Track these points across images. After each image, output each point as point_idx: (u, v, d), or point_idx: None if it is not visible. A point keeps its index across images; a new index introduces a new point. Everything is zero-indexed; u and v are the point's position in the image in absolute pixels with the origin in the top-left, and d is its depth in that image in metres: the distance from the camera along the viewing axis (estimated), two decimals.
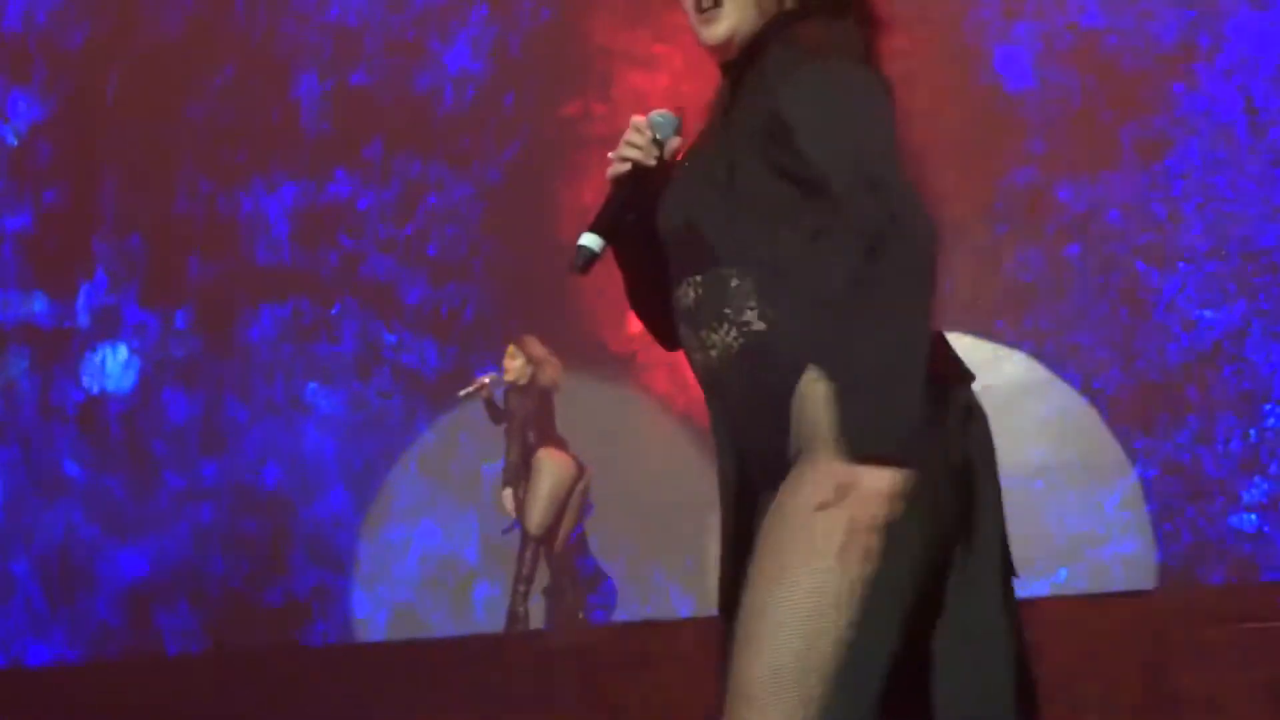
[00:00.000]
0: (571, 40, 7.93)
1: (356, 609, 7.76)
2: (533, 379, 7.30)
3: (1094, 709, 5.86)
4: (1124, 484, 7.55)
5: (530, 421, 7.30)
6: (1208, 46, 7.51)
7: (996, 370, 7.54)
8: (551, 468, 7.29)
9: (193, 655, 7.56)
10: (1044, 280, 7.54)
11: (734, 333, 2.21)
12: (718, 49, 2.30)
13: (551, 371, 7.37)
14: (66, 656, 7.73)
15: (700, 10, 2.29)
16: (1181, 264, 7.39)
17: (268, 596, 7.81)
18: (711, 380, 2.25)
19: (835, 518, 2.04)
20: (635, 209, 2.35)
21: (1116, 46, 7.54)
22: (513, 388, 7.33)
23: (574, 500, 7.32)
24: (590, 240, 2.32)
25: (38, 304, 8.20)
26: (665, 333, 2.37)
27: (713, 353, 2.22)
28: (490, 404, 7.44)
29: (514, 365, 7.32)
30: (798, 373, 2.13)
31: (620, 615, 7.66)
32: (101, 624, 7.85)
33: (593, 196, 2.58)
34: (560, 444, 7.33)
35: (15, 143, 8.15)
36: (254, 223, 8.20)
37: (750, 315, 2.21)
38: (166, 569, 7.98)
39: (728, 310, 2.21)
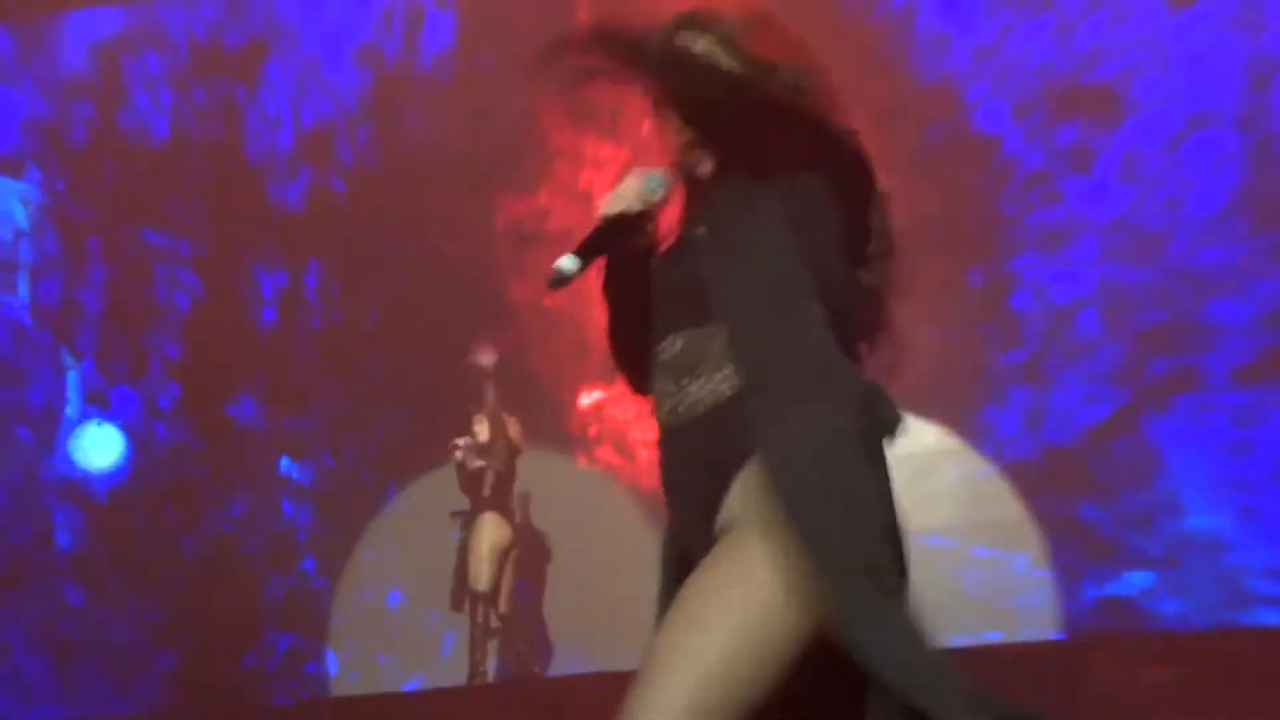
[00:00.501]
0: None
1: (329, 667, 7.85)
2: (500, 439, 7.49)
3: None
4: (1030, 543, 7.57)
5: (490, 483, 7.48)
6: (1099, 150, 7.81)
7: (913, 438, 7.82)
8: (489, 529, 7.49)
9: (177, 715, 7.69)
10: (957, 358, 7.69)
11: (706, 389, 2.30)
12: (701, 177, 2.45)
13: (515, 431, 7.55)
14: (55, 716, 7.79)
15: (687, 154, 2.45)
16: (1082, 349, 7.61)
17: (245, 660, 7.88)
18: (674, 430, 2.33)
19: (744, 594, 2.14)
20: (613, 246, 2.44)
21: (1017, 152, 7.83)
22: (481, 449, 7.49)
23: (510, 562, 7.48)
24: (568, 261, 2.38)
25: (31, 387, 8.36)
26: (637, 373, 2.47)
27: (680, 408, 2.32)
28: (462, 468, 7.55)
29: (482, 428, 7.50)
30: (748, 452, 2.21)
31: (570, 668, 7.82)
32: (89, 688, 7.90)
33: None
34: (505, 509, 7.51)
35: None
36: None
37: (723, 376, 2.29)
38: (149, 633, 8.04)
39: (705, 365, 2.30)
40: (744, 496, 2.21)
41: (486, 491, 7.48)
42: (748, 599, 2.13)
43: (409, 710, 7.42)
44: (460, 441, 7.56)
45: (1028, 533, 7.63)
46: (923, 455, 7.66)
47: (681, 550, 2.38)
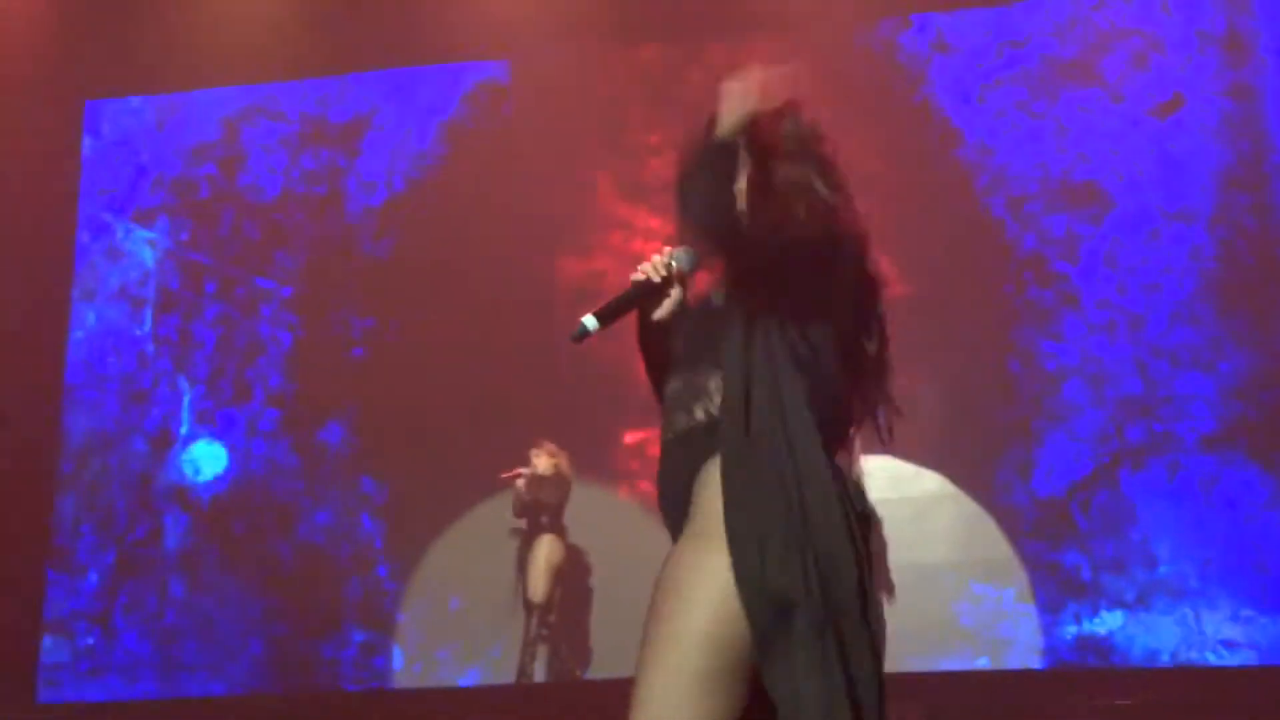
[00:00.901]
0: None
1: (395, 662, 8.22)
2: (556, 472, 7.80)
3: None
4: (1017, 581, 7.80)
5: (546, 508, 7.81)
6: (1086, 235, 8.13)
7: (917, 484, 7.92)
8: (545, 549, 7.84)
9: (263, 695, 8.08)
10: (958, 416, 8.00)
11: (698, 414, 2.50)
12: None
13: (565, 466, 7.82)
14: (157, 695, 8.23)
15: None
16: (1068, 413, 7.93)
17: (324, 650, 8.27)
18: (663, 448, 2.52)
19: (695, 585, 2.28)
20: (636, 308, 2.57)
21: (1015, 237, 8.21)
22: (538, 479, 7.80)
23: (560, 578, 7.82)
24: (590, 321, 2.50)
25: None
26: (659, 382, 2.64)
27: (680, 427, 2.51)
28: (519, 495, 7.87)
29: (541, 461, 7.84)
30: (705, 459, 2.41)
31: (608, 673, 7.86)
32: (188, 671, 8.31)
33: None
34: (561, 531, 7.86)
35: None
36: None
37: (706, 406, 2.49)
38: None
39: (702, 398, 2.51)
40: (696, 505, 2.41)
41: (543, 517, 7.79)
42: (690, 600, 2.30)
43: (464, 703, 7.70)
44: (521, 471, 7.88)
45: (1016, 571, 7.87)
46: (923, 499, 8.01)
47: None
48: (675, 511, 2.47)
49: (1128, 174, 8.14)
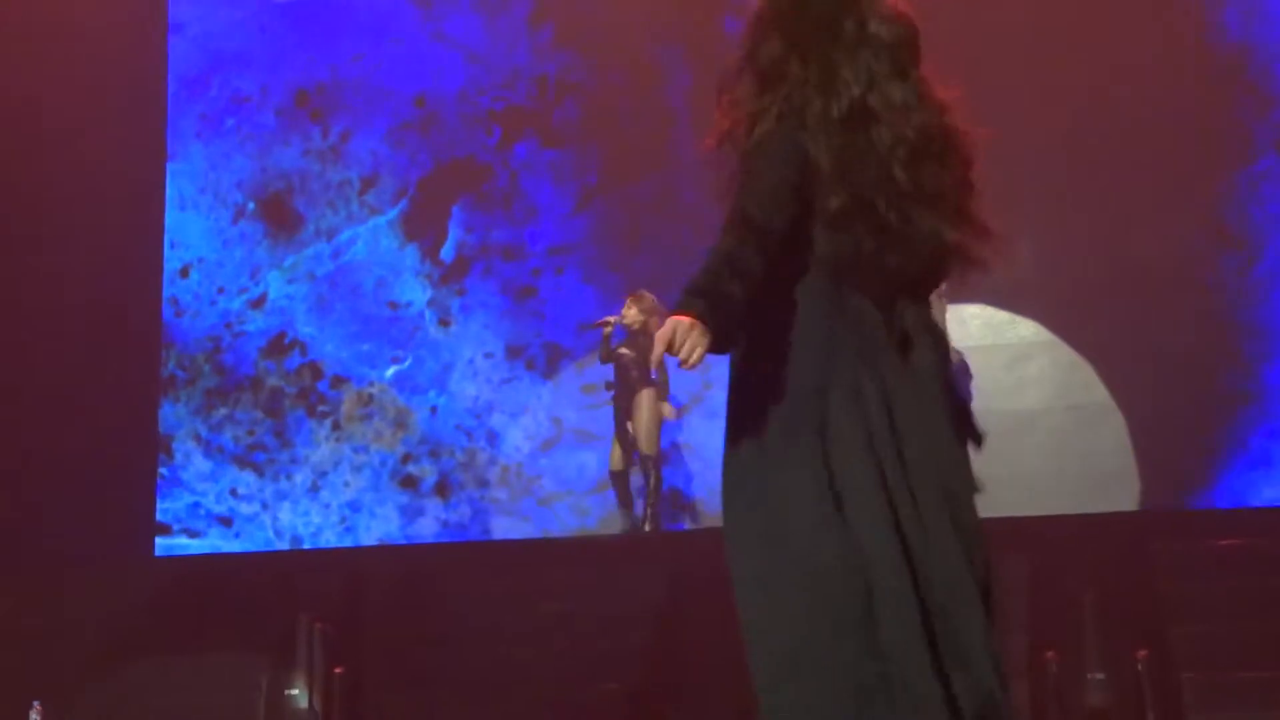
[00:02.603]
0: None
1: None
2: (644, 326, 7.75)
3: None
4: (1115, 423, 7.96)
5: (636, 363, 7.85)
6: None
7: (1012, 330, 8.09)
8: (649, 403, 7.90)
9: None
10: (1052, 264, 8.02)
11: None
12: None
13: (660, 321, 7.75)
14: None
15: None
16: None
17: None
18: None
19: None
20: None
21: None
22: (629, 332, 7.85)
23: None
24: None
25: None
26: None
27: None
28: (605, 342, 7.94)
29: (632, 313, 7.87)
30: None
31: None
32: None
33: None
34: (656, 385, 7.91)
35: None
36: None
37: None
38: None
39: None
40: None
41: (633, 371, 7.85)
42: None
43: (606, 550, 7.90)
44: (609, 319, 7.95)
45: (1113, 415, 8.00)
46: (1020, 345, 8.11)
47: None
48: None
49: None
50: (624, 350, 7.92)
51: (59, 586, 7.51)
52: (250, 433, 8.86)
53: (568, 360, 8.71)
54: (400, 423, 8.77)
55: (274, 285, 9.00)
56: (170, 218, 9.04)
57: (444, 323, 8.84)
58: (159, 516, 8.79)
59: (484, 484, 8.66)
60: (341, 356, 8.88)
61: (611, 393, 8.08)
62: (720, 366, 2.73)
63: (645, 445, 7.91)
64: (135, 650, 7.14)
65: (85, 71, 8.44)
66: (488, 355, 8.79)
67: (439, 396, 8.77)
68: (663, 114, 8.50)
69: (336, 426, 8.82)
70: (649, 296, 7.86)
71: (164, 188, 9.02)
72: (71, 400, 8.13)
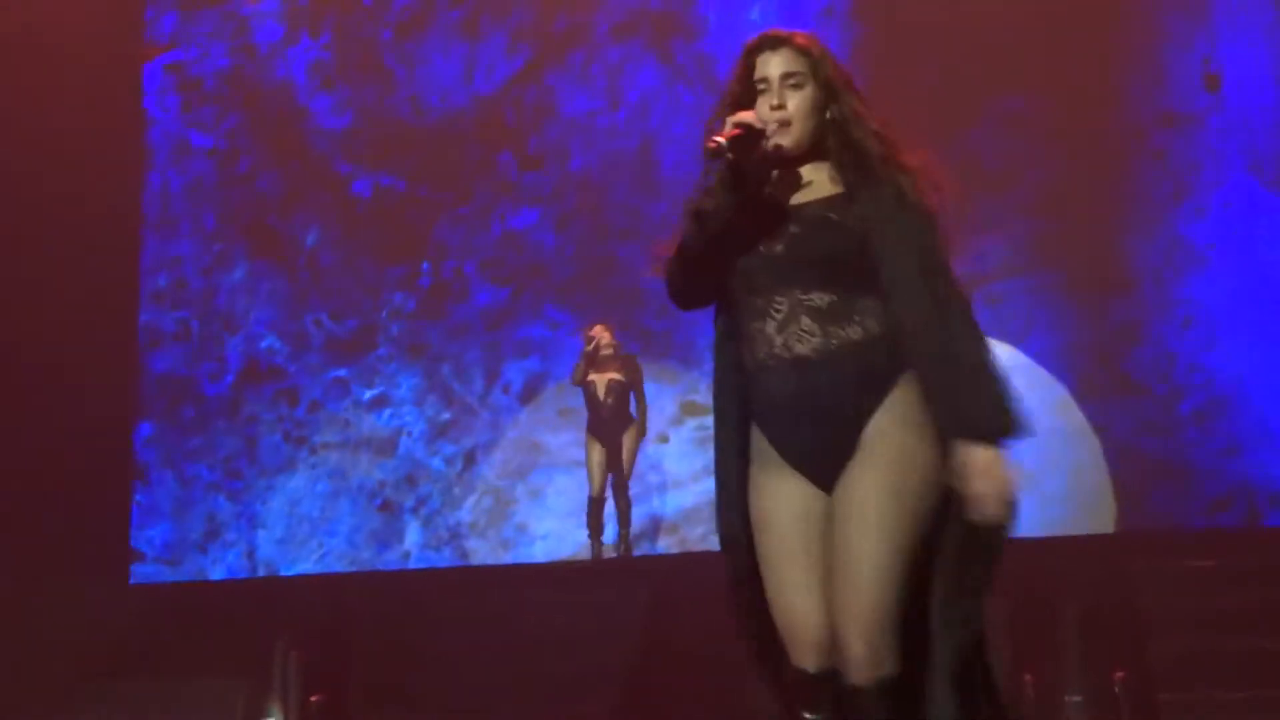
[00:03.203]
0: None
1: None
2: (616, 351, 7.89)
3: None
4: (1091, 445, 7.81)
5: (611, 388, 7.89)
6: None
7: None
8: (625, 429, 7.92)
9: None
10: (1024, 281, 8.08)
11: (855, 332, 2.78)
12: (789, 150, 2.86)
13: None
14: None
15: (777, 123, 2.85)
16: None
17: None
18: (819, 358, 2.77)
19: (912, 488, 2.76)
20: (747, 153, 2.74)
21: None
22: (602, 357, 7.88)
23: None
24: (725, 143, 2.71)
25: None
26: (703, 297, 2.90)
27: (833, 341, 2.77)
28: (584, 363, 7.91)
29: (606, 338, 7.92)
30: (889, 369, 2.77)
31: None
32: None
33: None
34: (630, 415, 7.97)
35: None
36: None
37: (860, 324, 2.79)
38: None
39: (856, 317, 2.78)
40: (896, 408, 2.77)
41: (609, 398, 7.84)
42: (916, 493, 2.73)
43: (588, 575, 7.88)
44: (590, 338, 7.94)
45: (1088, 438, 7.97)
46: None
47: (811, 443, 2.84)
48: (842, 403, 2.79)
49: None
50: (597, 376, 7.94)
51: (34, 613, 7.44)
52: (227, 459, 8.82)
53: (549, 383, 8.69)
54: (379, 448, 8.75)
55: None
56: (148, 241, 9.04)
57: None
58: (134, 543, 8.73)
59: (461, 508, 8.63)
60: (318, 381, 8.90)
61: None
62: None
63: (625, 472, 7.93)
64: (110, 678, 7.08)
65: (62, 98, 8.40)
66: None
67: (417, 422, 8.76)
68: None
69: (314, 452, 8.78)
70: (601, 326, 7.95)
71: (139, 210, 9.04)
72: (44, 427, 8.06)
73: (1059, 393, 8.01)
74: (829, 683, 2.76)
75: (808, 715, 2.78)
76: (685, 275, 2.91)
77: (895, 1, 8.25)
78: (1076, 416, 7.97)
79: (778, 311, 2.82)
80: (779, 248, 2.83)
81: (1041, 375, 7.99)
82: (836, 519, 2.77)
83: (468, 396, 8.72)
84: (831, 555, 2.75)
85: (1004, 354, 7.39)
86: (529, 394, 8.68)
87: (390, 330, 8.82)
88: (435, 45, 9.01)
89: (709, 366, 3.01)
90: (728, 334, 2.94)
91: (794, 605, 2.80)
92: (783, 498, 2.85)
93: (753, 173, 2.83)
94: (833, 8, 8.38)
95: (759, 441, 2.89)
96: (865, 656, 2.68)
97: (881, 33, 8.19)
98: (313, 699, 6.77)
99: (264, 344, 8.91)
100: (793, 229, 2.85)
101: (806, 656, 2.79)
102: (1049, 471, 7.78)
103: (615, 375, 7.95)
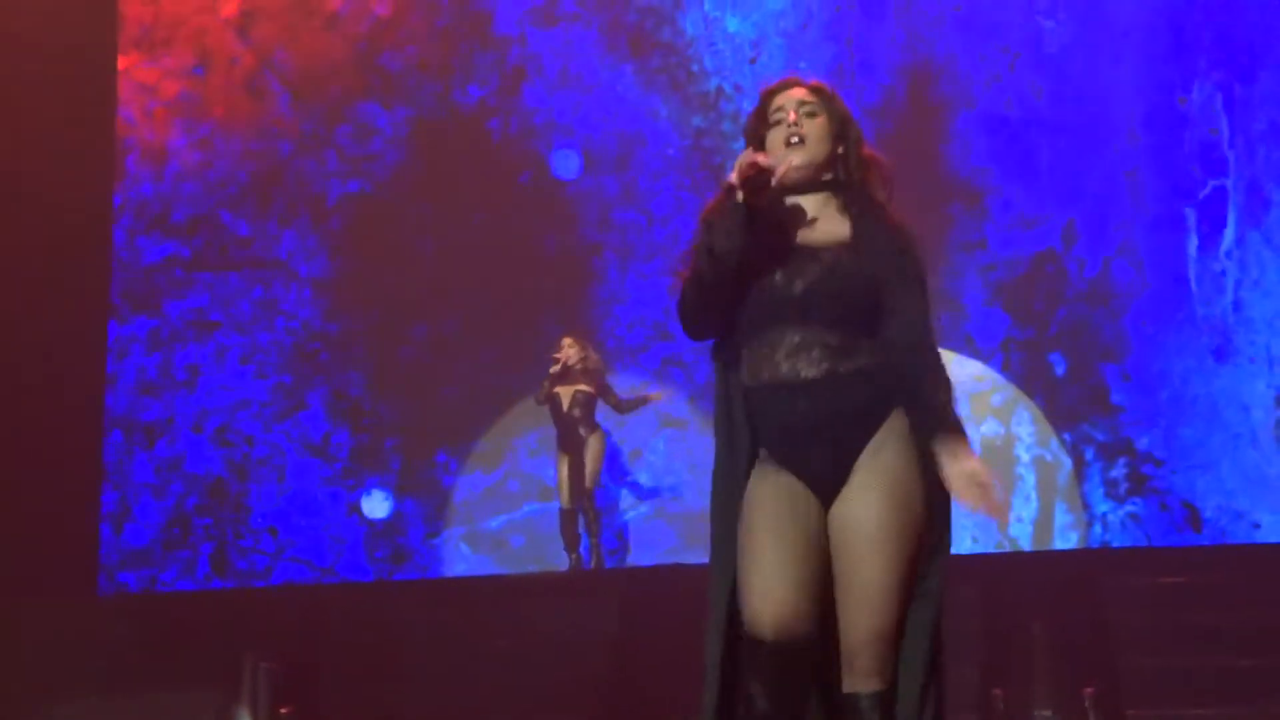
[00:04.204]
0: None
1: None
2: (584, 363, 7.93)
3: None
4: (1062, 462, 7.92)
5: (578, 401, 7.92)
6: None
7: (962, 370, 7.83)
8: (591, 441, 7.95)
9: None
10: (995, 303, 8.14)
11: (859, 363, 2.99)
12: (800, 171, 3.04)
13: (595, 359, 7.97)
14: None
15: (788, 144, 3.07)
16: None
17: None
18: (825, 383, 2.99)
19: (910, 517, 2.98)
20: (756, 194, 2.90)
21: None
22: (569, 370, 7.91)
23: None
24: (738, 191, 2.89)
25: None
26: (713, 327, 3.06)
27: (840, 369, 2.98)
28: (549, 382, 7.94)
29: (573, 352, 7.95)
30: (889, 395, 3.00)
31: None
32: None
33: None
34: (595, 426, 8.00)
35: None
36: None
37: (866, 357, 3.00)
38: None
39: (860, 352, 2.99)
40: (890, 435, 3.00)
41: (576, 410, 7.86)
42: (912, 526, 2.96)
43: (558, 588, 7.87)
44: (556, 357, 7.95)
45: (1059, 456, 8.03)
46: (967, 383, 8.09)
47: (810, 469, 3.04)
48: (844, 425, 3.00)
49: None
50: (562, 389, 7.95)
51: (2, 624, 7.38)
52: (199, 474, 8.78)
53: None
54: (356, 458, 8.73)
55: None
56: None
57: None
58: (103, 553, 8.67)
59: (437, 519, 8.60)
60: None
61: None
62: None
63: (589, 482, 7.94)
64: (78, 690, 7.03)
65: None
66: None
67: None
68: None
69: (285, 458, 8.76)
70: (571, 338, 7.98)
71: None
72: (13, 436, 8.00)
73: (1031, 410, 8.05)
74: (780, 655, 2.93)
75: (756, 683, 2.94)
76: (698, 305, 3.07)
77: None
78: (1046, 431, 7.99)
79: (790, 341, 3.02)
80: (798, 285, 3.03)
81: (1013, 393, 8.06)
82: (842, 538, 2.99)
83: None
84: (840, 574, 2.97)
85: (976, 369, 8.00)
86: None
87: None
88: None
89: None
90: (728, 363, 3.11)
91: (763, 577, 2.95)
92: (777, 487, 3.02)
93: (762, 209, 3.00)
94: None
95: (760, 461, 3.07)
96: (873, 669, 2.93)
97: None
98: (283, 710, 6.74)
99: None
100: (812, 269, 3.04)
101: (765, 628, 2.93)
102: (1020, 487, 7.98)
103: (580, 386, 7.96)
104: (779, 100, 3.15)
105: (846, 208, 3.10)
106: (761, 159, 2.96)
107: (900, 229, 3.09)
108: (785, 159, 3.02)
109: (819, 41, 8.52)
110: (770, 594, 2.93)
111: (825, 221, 3.11)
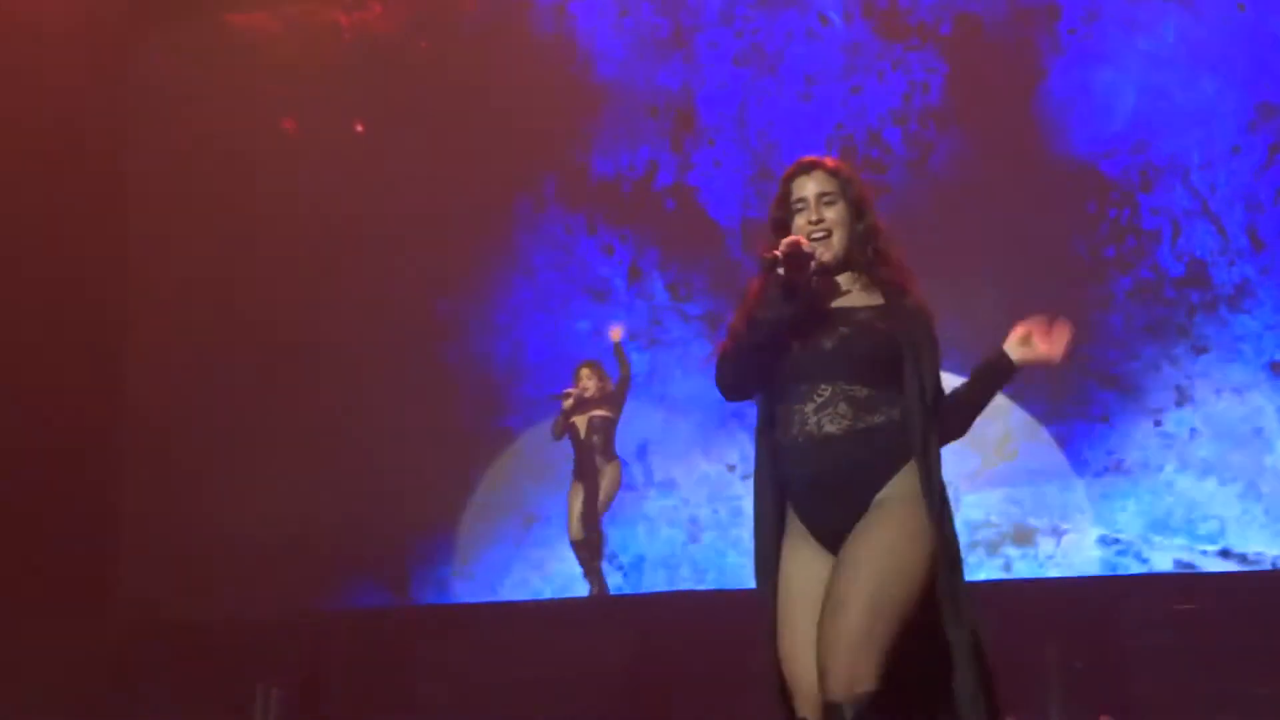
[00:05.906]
0: None
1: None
2: (601, 393, 7.88)
3: None
4: (1075, 485, 7.81)
5: (595, 428, 7.88)
6: None
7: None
8: (607, 471, 7.92)
9: None
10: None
11: (879, 418, 3.20)
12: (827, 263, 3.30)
13: (612, 386, 7.93)
14: None
15: (812, 238, 3.31)
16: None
17: None
18: (844, 437, 3.20)
19: (908, 551, 3.12)
20: (797, 271, 3.16)
21: None
22: (586, 400, 7.86)
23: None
24: (778, 264, 3.14)
25: None
26: (749, 390, 3.31)
27: (860, 424, 3.20)
28: (564, 416, 7.91)
29: (591, 383, 7.92)
30: (900, 451, 3.20)
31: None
32: None
33: None
34: (613, 455, 7.97)
35: None
36: None
37: (885, 413, 3.21)
38: None
39: (882, 407, 3.21)
40: (904, 483, 3.20)
41: (594, 437, 7.84)
42: (912, 554, 3.10)
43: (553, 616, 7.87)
44: (570, 391, 7.91)
45: (1070, 479, 7.91)
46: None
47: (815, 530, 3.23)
48: (859, 475, 3.20)
49: None
50: (578, 419, 7.90)
51: (12, 652, 7.37)
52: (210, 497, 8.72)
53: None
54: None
55: None
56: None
57: None
58: (115, 581, 8.63)
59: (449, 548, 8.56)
60: None
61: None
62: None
63: (601, 509, 7.89)
64: (92, 715, 7.02)
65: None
66: None
67: None
68: None
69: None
70: (599, 364, 7.95)
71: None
72: (22, 460, 7.98)
73: (1040, 434, 7.98)
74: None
75: None
76: (736, 371, 3.31)
77: None
78: (1056, 456, 7.88)
79: (819, 396, 3.24)
80: (829, 344, 3.27)
81: (1021, 415, 7.96)
82: (834, 568, 3.14)
83: None
84: (824, 598, 3.10)
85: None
86: None
87: None
88: None
89: None
90: (768, 420, 3.34)
91: (800, 661, 3.11)
92: (802, 564, 3.22)
93: (803, 286, 3.24)
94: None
95: (791, 517, 3.29)
96: (842, 675, 2.98)
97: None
98: None
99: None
100: (843, 330, 3.30)
101: (808, 707, 3.09)
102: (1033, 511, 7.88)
103: (598, 412, 7.92)
104: (799, 190, 3.39)
105: (876, 282, 3.37)
106: (805, 243, 3.23)
107: (924, 304, 3.35)
108: (819, 252, 3.29)
109: None
110: (806, 676, 3.07)
111: (858, 293, 3.38)
